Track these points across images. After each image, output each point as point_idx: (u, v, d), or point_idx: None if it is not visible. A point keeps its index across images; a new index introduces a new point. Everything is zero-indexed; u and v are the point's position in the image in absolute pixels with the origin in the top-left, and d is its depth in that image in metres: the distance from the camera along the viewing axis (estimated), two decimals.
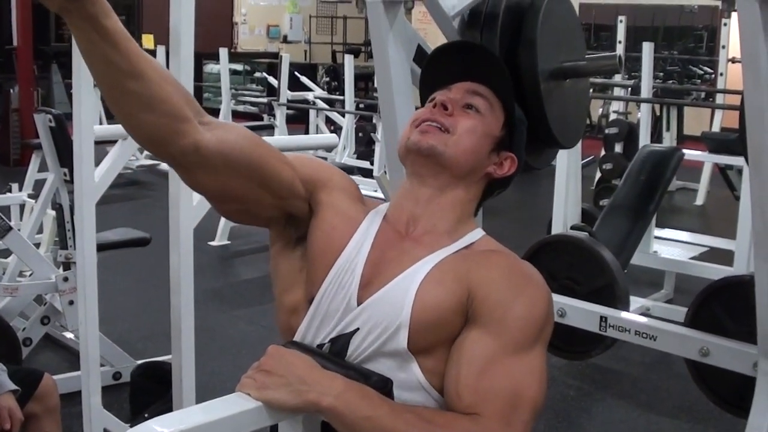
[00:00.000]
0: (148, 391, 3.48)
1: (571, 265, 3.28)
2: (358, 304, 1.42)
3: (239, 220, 1.53)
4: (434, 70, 1.64)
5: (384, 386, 1.32)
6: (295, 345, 1.39)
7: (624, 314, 2.61)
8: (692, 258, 5.54)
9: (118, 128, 3.97)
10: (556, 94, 2.10)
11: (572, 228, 4.59)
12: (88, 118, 2.85)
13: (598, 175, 7.68)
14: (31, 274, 4.10)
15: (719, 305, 2.65)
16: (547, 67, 2.08)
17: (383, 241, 1.48)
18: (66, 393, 3.47)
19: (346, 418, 1.26)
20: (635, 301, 5.06)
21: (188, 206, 2.62)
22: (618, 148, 7.47)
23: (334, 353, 1.42)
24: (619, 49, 8.57)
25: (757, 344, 1.73)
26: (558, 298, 2.73)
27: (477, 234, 1.53)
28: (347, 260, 1.46)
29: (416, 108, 2.06)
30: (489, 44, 2.04)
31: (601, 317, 2.54)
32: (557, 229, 4.71)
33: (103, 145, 3.40)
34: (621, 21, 8.50)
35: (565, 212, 4.79)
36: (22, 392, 2.63)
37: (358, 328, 1.41)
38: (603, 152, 7.79)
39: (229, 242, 6.72)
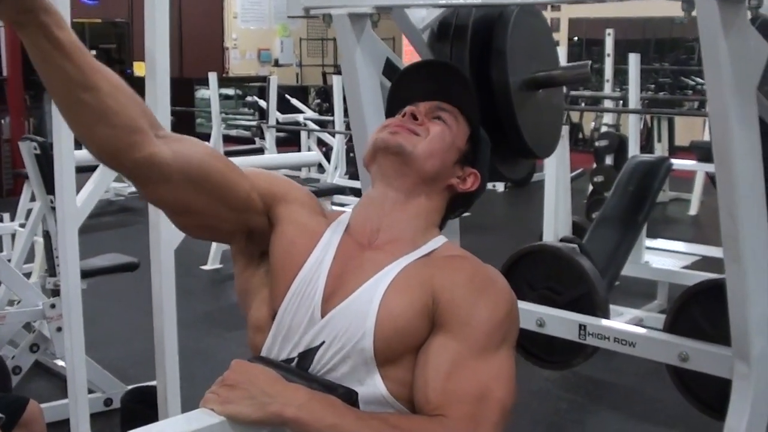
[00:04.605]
0: (139, 416, 3.46)
1: (550, 275, 3.26)
2: (322, 317, 1.42)
3: (199, 235, 1.52)
4: (401, 90, 1.67)
5: (349, 398, 1.32)
6: (260, 359, 1.38)
7: (602, 321, 2.60)
8: (685, 267, 5.52)
9: None
10: (528, 104, 2.10)
11: (561, 240, 4.58)
12: (69, 144, 2.84)
13: (591, 188, 7.68)
14: (19, 302, 4.09)
15: (698, 309, 2.65)
16: (519, 78, 2.08)
17: (345, 253, 1.49)
18: (57, 420, 3.46)
19: (311, 427, 1.25)
20: (628, 312, 5.06)
21: (169, 228, 2.61)
22: (609, 160, 7.48)
23: (300, 368, 1.41)
24: (608, 63, 8.60)
25: (732, 346, 1.72)
26: (537, 308, 2.73)
27: (439, 241, 1.54)
28: (309, 273, 1.46)
29: None
30: (459, 56, 2.04)
31: (580, 325, 2.53)
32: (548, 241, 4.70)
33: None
34: (609, 34, 8.53)
35: (555, 225, 4.78)
36: (7, 419, 2.61)
37: (323, 342, 1.40)
38: (594, 165, 7.80)
39: (221, 266, 6.69)
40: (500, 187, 9.76)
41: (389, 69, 2.04)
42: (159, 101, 2.48)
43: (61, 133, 2.81)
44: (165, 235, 2.60)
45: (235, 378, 1.31)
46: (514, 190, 9.91)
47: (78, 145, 3.15)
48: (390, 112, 1.67)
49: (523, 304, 2.75)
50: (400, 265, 1.44)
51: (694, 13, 1.49)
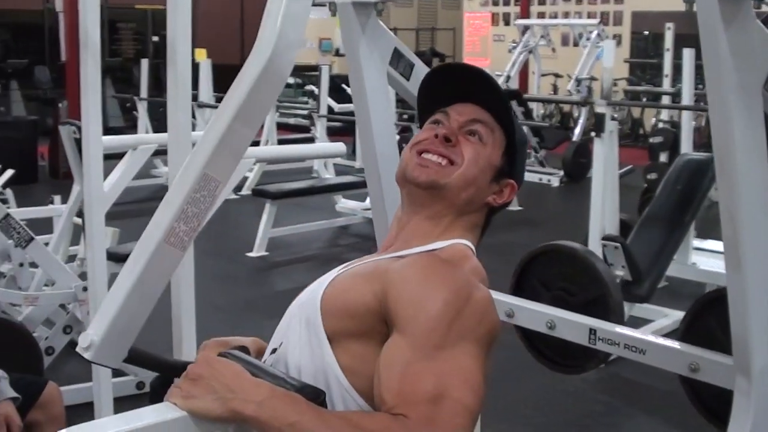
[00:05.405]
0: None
1: (565, 276, 3.17)
2: None
3: None
4: (432, 90, 1.63)
5: (316, 397, 1.28)
6: (228, 354, 1.35)
7: (613, 327, 2.50)
8: None
9: (126, 139, 4.06)
10: None
11: (604, 238, 4.49)
12: (97, 129, 2.87)
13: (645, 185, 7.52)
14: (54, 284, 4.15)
15: (712, 318, 2.54)
16: None
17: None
18: (84, 402, 3.48)
19: (271, 426, 1.21)
20: (673, 314, 4.95)
21: None
22: (663, 157, 7.33)
23: (279, 354, 1.43)
24: (667, 57, 8.42)
25: (733, 358, 1.64)
26: (548, 310, 2.63)
27: (445, 243, 1.47)
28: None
29: (398, 116, 2.03)
30: None
31: (591, 330, 2.44)
32: (594, 240, 4.61)
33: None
34: (669, 28, 8.36)
35: (602, 223, 4.68)
36: (24, 400, 2.64)
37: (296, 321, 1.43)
38: (649, 161, 7.66)
39: (267, 253, 6.73)
40: (555, 181, 9.61)
41: (398, 59, 1.98)
42: (180, 89, 2.47)
43: (89, 118, 2.83)
44: None
45: (199, 372, 1.28)
46: (568, 185, 9.76)
47: (106, 131, 3.20)
48: (422, 111, 1.64)
49: (534, 305, 2.67)
50: (372, 258, 1.46)
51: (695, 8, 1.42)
